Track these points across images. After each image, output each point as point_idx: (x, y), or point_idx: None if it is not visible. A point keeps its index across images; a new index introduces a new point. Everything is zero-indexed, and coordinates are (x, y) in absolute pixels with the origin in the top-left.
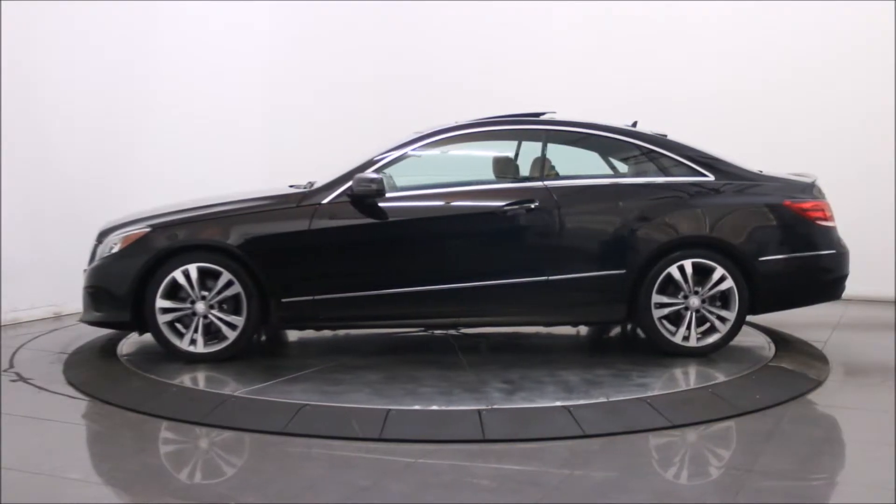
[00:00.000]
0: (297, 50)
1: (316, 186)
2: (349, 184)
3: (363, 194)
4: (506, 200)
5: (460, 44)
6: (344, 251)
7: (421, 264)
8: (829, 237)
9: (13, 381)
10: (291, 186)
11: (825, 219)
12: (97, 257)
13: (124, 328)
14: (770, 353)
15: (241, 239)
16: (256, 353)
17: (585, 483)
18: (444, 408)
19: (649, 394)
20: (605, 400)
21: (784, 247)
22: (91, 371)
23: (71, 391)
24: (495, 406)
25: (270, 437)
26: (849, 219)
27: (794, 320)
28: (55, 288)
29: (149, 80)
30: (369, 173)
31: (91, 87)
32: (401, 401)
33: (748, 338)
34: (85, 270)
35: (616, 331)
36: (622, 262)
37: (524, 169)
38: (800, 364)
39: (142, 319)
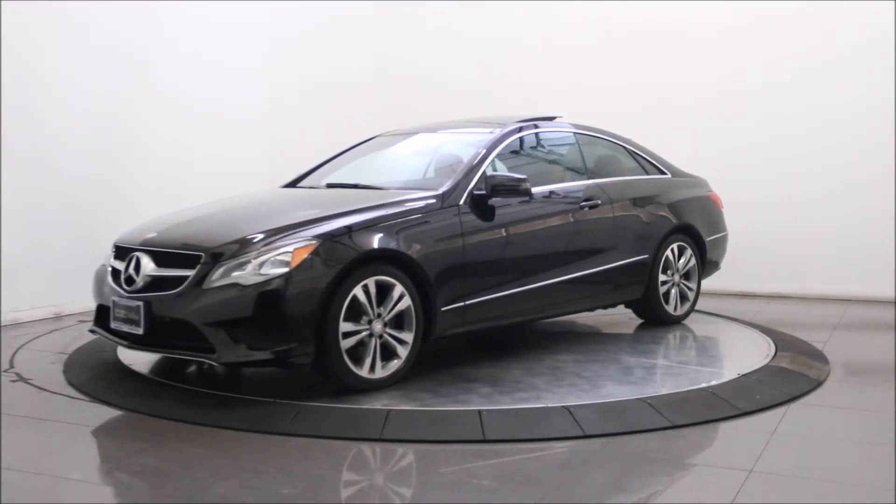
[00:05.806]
0: (298, 50)
1: (445, 186)
2: (473, 182)
3: (505, 193)
4: (581, 198)
5: (460, 44)
6: (484, 251)
7: (544, 259)
8: (724, 221)
9: (13, 381)
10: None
11: (722, 207)
12: (225, 280)
13: (277, 364)
14: (770, 353)
15: (415, 246)
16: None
17: (585, 483)
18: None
19: (649, 394)
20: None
21: (714, 228)
22: (91, 371)
23: (71, 391)
24: (714, 382)
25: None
26: (849, 219)
27: (794, 320)
28: (55, 288)
29: (149, 79)
30: (512, 173)
31: (91, 85)
32: (641, 390)
33: (748, 338)
34: (184, 299)
35: None
36: (646, 248)
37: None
38: (800, 364)
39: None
